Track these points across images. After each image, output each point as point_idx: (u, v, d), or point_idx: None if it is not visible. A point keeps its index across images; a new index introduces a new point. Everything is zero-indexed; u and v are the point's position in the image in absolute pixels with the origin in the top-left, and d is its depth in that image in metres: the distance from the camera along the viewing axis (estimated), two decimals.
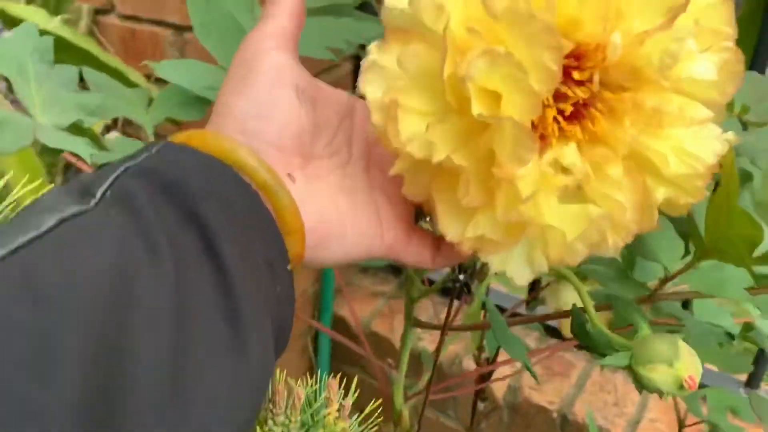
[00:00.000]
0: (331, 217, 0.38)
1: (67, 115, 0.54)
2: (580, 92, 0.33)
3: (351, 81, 1.07)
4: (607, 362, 0.43)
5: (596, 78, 0.33)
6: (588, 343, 0.47)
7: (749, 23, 0.99)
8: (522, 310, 1.04)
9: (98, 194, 0.29)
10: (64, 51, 0.88)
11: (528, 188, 0.32)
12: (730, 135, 0.36)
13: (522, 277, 0.37)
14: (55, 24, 0.88)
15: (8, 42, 0.55)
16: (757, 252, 0.36)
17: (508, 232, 0.35)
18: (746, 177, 0.50)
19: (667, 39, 0.31)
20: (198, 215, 0.31)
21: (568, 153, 0.34)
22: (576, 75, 0.33)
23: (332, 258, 0.38)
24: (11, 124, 0.49)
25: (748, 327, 0.62)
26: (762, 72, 0.84)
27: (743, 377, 1.07)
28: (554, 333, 1.18)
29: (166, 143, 0.34)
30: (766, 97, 0.58)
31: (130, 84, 0.92)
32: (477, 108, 0.31)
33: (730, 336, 0.60)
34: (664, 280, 0.47)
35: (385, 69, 0.35)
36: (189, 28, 0.95)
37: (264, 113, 0.37)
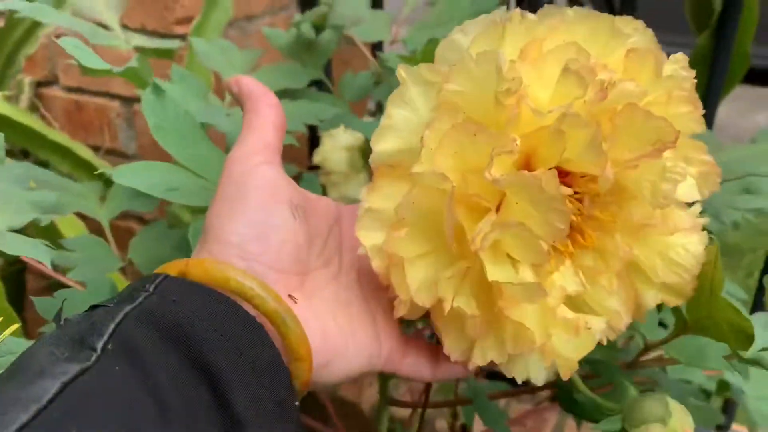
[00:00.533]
0: (334, 335, 0.36)
1: (22, 215, 0.52)
2: (573, 216, 0.35)
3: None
4: (600, 428, 0.43)
5: (587, 203, 0.35)
6: (575, 411, 0.48)
7: (696, 77, 1.01)
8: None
9: (99, 347, 0.28)
10: (7, 129, 0.85)
11: (537, 327, 0.34)
12: (696, 208, 0.38)
13: (543, 379, 0.38)
14: None
15: None
16: (751, 351, 0.37)
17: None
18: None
19: (658, 172, 0.33)
20: (207, 362, 0.29)
21: (569, 281, 0.35)
22: (569, 204, 0.34)
23: (335, 376, 0.37)
24: None
25: (723, 385, 0.63)
26: (710, 126, 0.86)
27: None
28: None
29: (165, 278, 0.32)
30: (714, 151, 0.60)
31: (77, 160, 0.88)
32: (491, 274, 0.32)
33: (706, 393, 0.61)
34: (644, 350, 0.48)
35: (379, 213, 0.35)
36: (137, 99, 0.92)
37: (262, 235, 0.35)
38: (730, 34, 0.83)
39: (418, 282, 0.34)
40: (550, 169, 0.32)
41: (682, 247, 0.36)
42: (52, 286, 0.53)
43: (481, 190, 0.32)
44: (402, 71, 0.35)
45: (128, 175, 0.44)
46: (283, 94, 0.65)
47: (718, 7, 0.88)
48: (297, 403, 0.33)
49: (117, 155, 1.02)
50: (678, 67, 0.35)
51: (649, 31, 0.35)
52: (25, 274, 0.94)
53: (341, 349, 0.36)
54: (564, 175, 0.34)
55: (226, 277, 0.33)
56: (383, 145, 0.35)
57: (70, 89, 1.02)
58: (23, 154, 0.93)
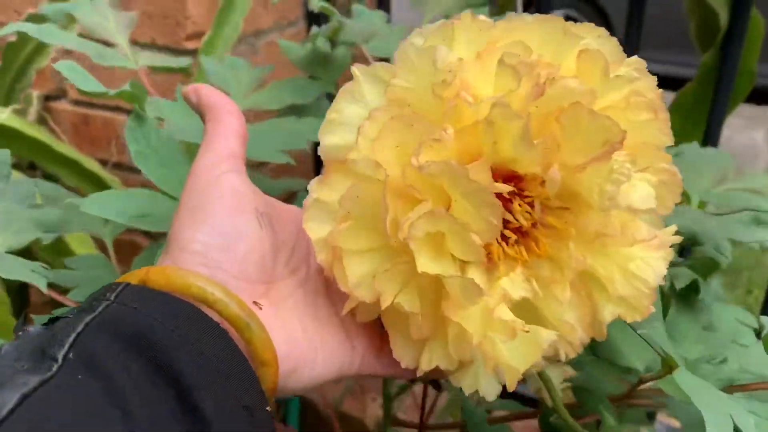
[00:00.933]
0: (301, 341, 0.36)
1: (24, 234, 0.54)
2: (523, 219, 0.34)
3: None
4: None
5: (537, 206, 0.34)
6: None
7: (701, 95, 1.02)
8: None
9: (59, 357, 0.27)
10: (15, 142, 0.88)
11: (476, 328, 0.33)
12: (671, 229, 0.37)
13: (493, 393, 0.37)
14: (5, 115, 0.87)
15: None
16: None
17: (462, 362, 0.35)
18: (713, 265, 0.51)
19: (605, 174, 0.32)
20: (171, 368, 0.29)
21: (516, 286, 0.35)
22: (516, 206, 0.34)
23: (303, 383, 0.36)
24: None
25: None
26: (715, 144, 0.86)
27: None
28: (531, 402, 1.16)
29: (125, 286, 0.32)
30: (726, 177, 0.59)
31: (85, 173, 0.91)
32: (422, 265, 0.31)
33: None
34: (637, 384, 0.47)
35: (327, 204, 0.35)
36: None
37: (226, 244, 0.35)
38: (735, 52, 0.84)
39: (358, 276, 0.34)
40: (502, 170, 0.33)
41: (642, 259, 0.35)
42: (54, 301, 0.54)
43: (417, 183, 0.32)
44: (355, 69, 0.36)
45: (96, 205, 0.46)
46: (288, 110, 0.66)
47: (724, 25, 0.89)
48: (269, 409, 0.33)
49: (124, 169, 1.04)
50: (631, 69, 0.34)
51: (613, 39, 0.35)
52: (29, 287, 0.96)
53: (309, 355, 0.36)
54: (513, 179, 0.34)
55: (187, 284, 0.32)
56: (330, 138, 0.35)
57: (78, 103, 1.05)
58: (31, 167, 0.96)
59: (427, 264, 0.31)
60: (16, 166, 0.92)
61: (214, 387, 0.30)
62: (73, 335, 0.29)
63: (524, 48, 0.32)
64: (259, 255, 0.36)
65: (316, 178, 0.36)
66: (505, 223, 0.34)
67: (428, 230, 0.31)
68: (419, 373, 0.36)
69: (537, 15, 0.34)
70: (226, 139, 0.39)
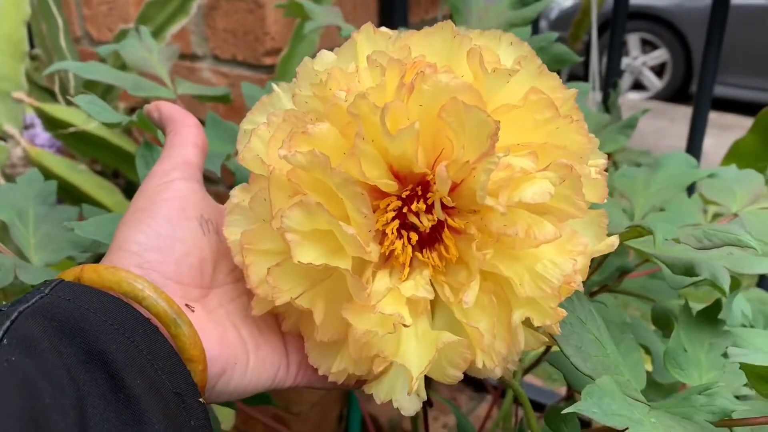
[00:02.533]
0: (232, 344, 0.38)
1: (59, 253, 0.59)
2: (426, 220, 0.36)
3: None
4: None
5: (437, 206, 0.36)
6: None
7: None
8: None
9: None
10: (102, 150, 1.00)
11: (362, 325, 0.35)
12: (613, 239, 0.38)
13: (409, 408, 0.38)
14: (94, 125, 0.98)
15: (13, 188, 0.63)
16: None
17: (370, 367, 0.37)
18: (734, 284, 0.48)
19: (482, 170, 0.33)
20: (102, 352, 0.32)
21: (415, 287, 0.36)
22: (414, 206, 0.36)
23: (234, 388, 0.39)
24: None
25: None
26: None
27: None
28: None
29: (60, 282, 0.35)
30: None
31: None
32: (297, 255, 0.34)
33: None
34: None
35: (246, 209, 0.39)
36: None
37: (163, 246, 0.38)
38: None
39: (261, 275, 0.36)
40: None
41: (550, 260, 0.35)
42: None
43: (299, 179, 0.34)
44: (275, 86, 0.40)
45: (91, 228, 0.51)
46: None
47: None
48: (202, 400, 0.35)
49: (205, 180, 1.11)
50: (515, 59, 0.36)
51: (524, 44, 0.37)
52: None
53: (240, 359, 0.39)
54: (421, 182, 0.36)
55: (118, 280, 0.35)
56: (242, 148, 0.38)
57: None
58: (115, 175, 1.07)
59: (302, 255, 0.34)
60: (101, 173, 1.03)
61: (144, 371, 0.33)
62: (7, 323, 0.31)
63: (407, 50, 0.35)
64: (197, 260, 0.40)
65: (240, 185, 0.40)
66: (411, 225, 0.37)
67: (306, 222, 0.34)
68: (331, 378, 0.39)
69: (437, 24, 0.37)
70: (182, 149, 0.43)
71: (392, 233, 0.36)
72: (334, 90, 0.35)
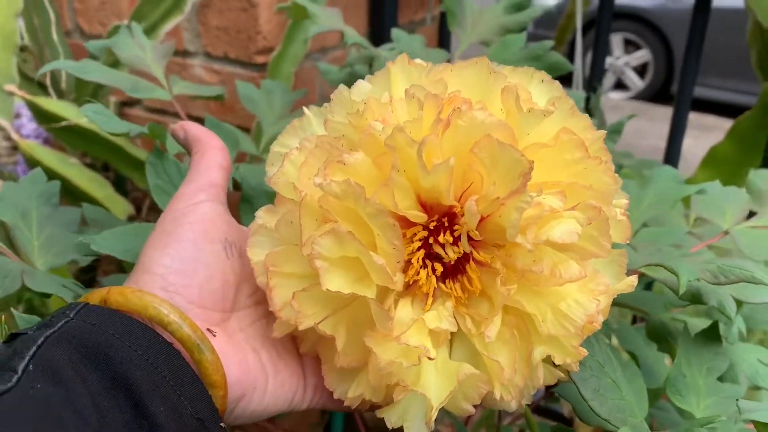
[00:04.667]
0: (253, 369, 0.39)
1: (63, 256, 0.59)
2: (451, 252, 0.37)
3: None
4: None
5: (464, 239, 0.37)
6: None
7: (759, 122, 1.03)
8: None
9: (20, 369, 0.30)
10: (93, 144, 0.99)
11: (386, 355, 0.35)
12: (632, 279, 0.39)
13: (417, 429, 0.38)
14: (86, 119, 0.96)
15: (16, 188, 0.62)
16: None
17: (387, 394, 0.38)
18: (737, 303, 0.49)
19: (513, 207, 0.34)
20: (126, 379, 0.32)
21: (439, 319, 0.37)
22: (441, 238, 0.37)
23: (251, 410, 0.39)
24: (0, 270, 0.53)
25: None
26: None
27: None
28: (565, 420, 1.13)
29: (85, 305, 0.36)
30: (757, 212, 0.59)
31: None
32: (325, 282, 0.35)
33: None
34: None
35: (270, 231, 0.39)
36: None
37: (188, 269, 0.39)
38: None
39: (285, 298, 0.37)
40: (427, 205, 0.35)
41: (574, 299, 0.36)
42: None
43: (331, 206, 0.35)
44: (306, 110, 0.41)
45: (105, 243, 0.50)
46: None
47: None
48: (223, 425, 0.36)
49: None
50: (548, 99, 0.37)
51: (556, 83, 0.38)
52: None
53: (260, 383, 0.39)
54: (447, 214, 0.36)
55: (144, 304, 0.36)
56: (274, 169, 0.39)
57: (152, 110, 1.16)
58: (105, 169, 1.07)
59: (331, 282, 0.35)
60: (91, 166, 1.03)
61: (166, 398, 0.34)
62: (33, 348, 0.31)
63: (443, 85, 0.36)
64: (219, 283, 0.40)
65: (266, 206, 0.40)
66: (436, 256, 0.38)
67: (336, 249, 0.35)
68: (347, 403, 0.39)
69: (470, 59, 0.38)
70: (208, 171, 0.43)
71: (417, 263, 0.36)
72: (369, 120, 0.35)
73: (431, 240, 0.37)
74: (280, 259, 0.37)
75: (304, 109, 0.41)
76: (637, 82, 4.92)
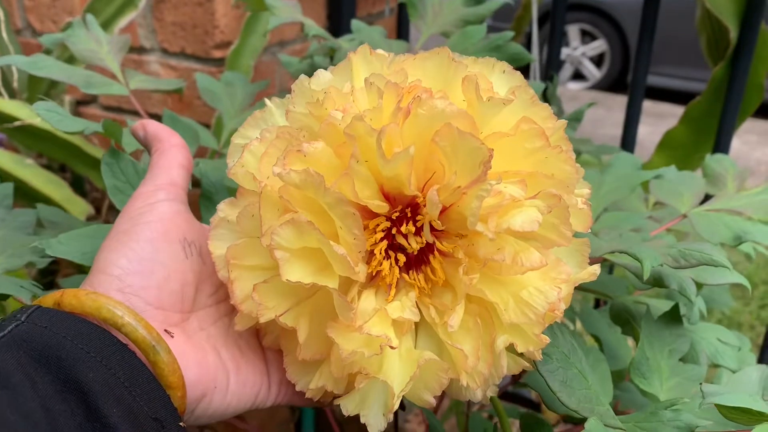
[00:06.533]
0: (212, 368, 0.39)
1: (18, 258, 0.58)
2: (414, 243, 0.37)
3: None
4: None
5: (426, 229, 0.37)
6: None
7: (710, 108, 1.08)
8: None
9: None
10: (49, 144, 0.97)
11: (348, 345, 0.35)
12: (594, 268, 0.39)
13: (376, 425, 0.38)
14: (40, 119, 0.94)
15: None
16: None
17: (349, 384, 0.38)
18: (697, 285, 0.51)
19: (473, 195, 0.34)
20: (78, 381, 0.32)
21: (402, 309, 0.37)
22: (404, 228, 0.37)
23: (214, 411, 0.39)
24: None
25: None
26: (726, 152, 0.94)
27: None
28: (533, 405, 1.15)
29: (37, 308, 0.35)
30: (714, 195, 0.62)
31: None
32: (285, 273, 0.34)
33: None
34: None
35: (231, 224, 0.39)
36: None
37: (145, 270, 0.38)
38: (745, 66, 0.92)
39: (246, 291, 0.37)
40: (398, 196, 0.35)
41: (536, 287, 0.36)
42: None
43: (291, 196, 0.35)
44: (268, 101, 0.40)
45: (63, 248, 0.49)
46: None
47: (734, 40, 0.99)
48: (182, 424, 0.36)
49: None
50: (509, 88, 0.37)
51: (517, 74, 0.38)
52: None
53: (220, 383, 0.39)
54: (410, 205, 0.36)
55: (98, 306, 0.35)
56: (234, 163, 0.38)
57: (108, 108, 1.15)
58: (62, 170, 1.05)
59: (291, 273, 0.34)
60: (47, 167, 1.02)
61: (121, 399, 0.33)
62: None
63: (403, 75, 0.36)
64: (178, 284, 0.39)
65: (227, 199, 0.40)
66: (399, 247, 0.37)
67: (295, 240, 0.34)
68: (308, 395, 0.39)
69: (432, 50, 0.38)
70: (168, 170, 0.42)
71: (380, 254, 0.36)
72: (329, 110, 0.35)
73: (394, 230, 0.37)
74: (241, 252, 0.37)
75: (266, 100, 0.40)
76: (594, 72, 4.99)
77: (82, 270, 0.93)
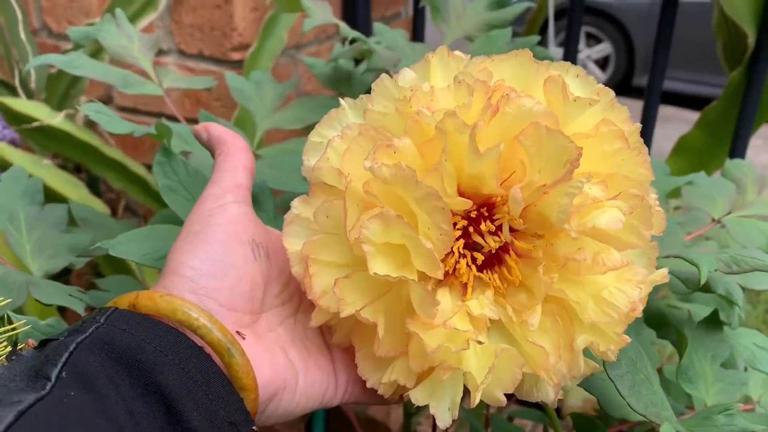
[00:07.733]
0: (282, 369, 0.39)
1: (58, 259, 0.58)
2: (492, 242, 0.37)
3: None
4: None
5: (506, 228, 0.37)
6: None
7: (726, 113, 1.08)
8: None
9: (53, 376, 0.30)
10: (66, 145, 0.97)
11: (433, 340, 0.35)
12: (664, 271, 0.39)
13: (445, 420, 0.38)
14: (59, 119, 0.96)
15: None
16: None
17: (419, 377, 0.38)
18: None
19: (562, 191, 0.34)
20: (158, 384, 0.32)
21: (481, 306, 0.37)
22: (483, 226, 0.37)
23: (282, 409, 0.39)
24: (6, 283, 0.52)
25: None
26: (742, 157, 0.95)
27: None
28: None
29: (115, 310, 0.35)
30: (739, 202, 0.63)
31: (131, 176, 0.99)
32: (373, 266, 0.34)
33: None
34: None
35: (306, 221, 0.39)
36: (191, 121, 1.02)
37: (217, 272, 0.38)
38: (762, 70, 0.92)
39: (324, 286, 0.37)
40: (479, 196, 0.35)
41: (616, 287, 0.37)
42: None
43: (377, 191, 0.35)
44: (343, 101, 0.40)
45: (124, 248, 0.48)
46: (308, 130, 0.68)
47: (752, 45, 0.99)
48: (255, 429, 0.36)
49: None
50: (590, 90, 0.37)
51: (591, 78, 0.38)
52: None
53: (290, 383, 0.39)
54: (486, 204, 0.36)
55: (173, 308, 0.36)
56: (312, 160, 0.39)
57: (125, 109, 1.15)
58: (77, 170, 1.05)
59: (378, 266, 0.34)
60: (63, 167, 1.01)
61: (199, 403, 0.33)
62: (66, 354, 0.31)
63: (487, 73, 0.36)
64: (248, 285, 0.40)
65: (300, 196, 0.40)
66: (476, 245, 0.38)
67: (381, 234, 0.34)
68: (380, 390, 0.39)
69: (513, 51, 0.38)
70: (234, 172, 0.43)
71: (458, 252, 0.36)
72: (415, 108, 0.35)
73: (471, 229, 0.37)
74: (318, 248, 0.37)
75: (341, 100, 0.40)
76: (599, 75, 4.98)
77: (99, 273, 0.93)
